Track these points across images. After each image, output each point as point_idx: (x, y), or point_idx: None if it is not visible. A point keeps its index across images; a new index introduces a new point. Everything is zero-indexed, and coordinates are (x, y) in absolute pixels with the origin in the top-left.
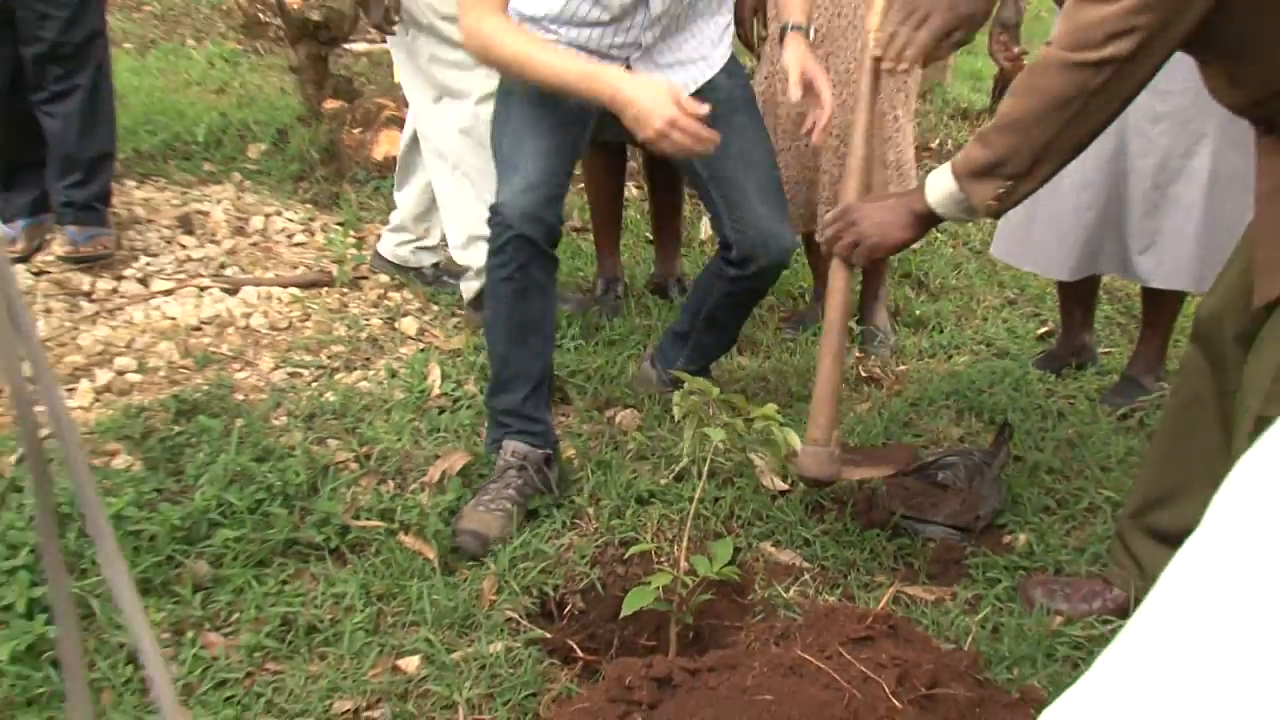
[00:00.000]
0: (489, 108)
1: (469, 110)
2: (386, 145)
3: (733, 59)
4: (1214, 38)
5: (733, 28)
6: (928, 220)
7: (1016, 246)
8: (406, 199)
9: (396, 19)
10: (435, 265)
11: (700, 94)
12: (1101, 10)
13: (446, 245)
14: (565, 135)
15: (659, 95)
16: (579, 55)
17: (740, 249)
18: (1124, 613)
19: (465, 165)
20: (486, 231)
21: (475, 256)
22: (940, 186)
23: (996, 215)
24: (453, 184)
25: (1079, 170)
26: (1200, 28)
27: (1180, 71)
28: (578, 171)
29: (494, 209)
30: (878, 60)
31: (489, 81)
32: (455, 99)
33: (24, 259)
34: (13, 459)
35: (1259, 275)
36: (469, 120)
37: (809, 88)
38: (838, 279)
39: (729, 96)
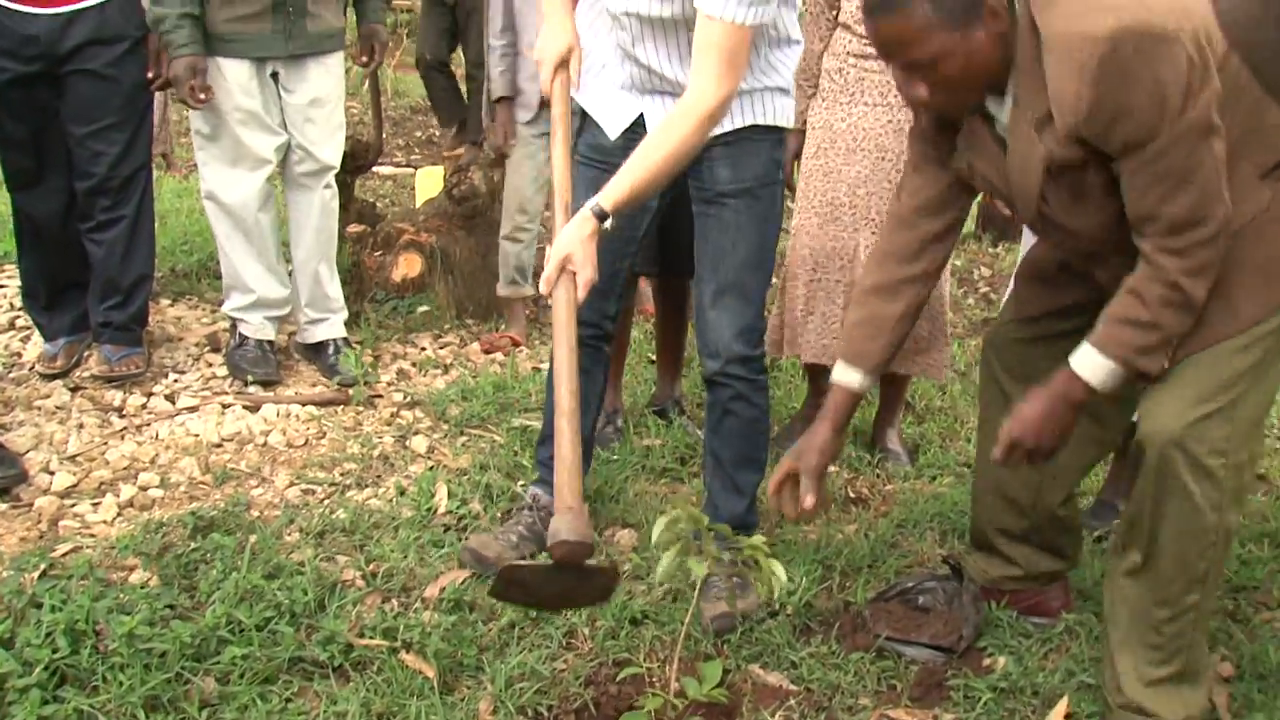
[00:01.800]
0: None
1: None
2: (405, 268)
3: (754, 145)
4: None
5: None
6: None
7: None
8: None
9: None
10: (318, 344)
11: (693, 176)
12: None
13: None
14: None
15: (550, 45)
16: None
17: (696, 331)
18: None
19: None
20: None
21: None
22: (1101, 369)
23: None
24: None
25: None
26: None
27: None
28: None
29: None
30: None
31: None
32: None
33: (63, 374)
34: (34, 575)
35: None
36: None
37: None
38: (560, 307)
39: (721, 192)
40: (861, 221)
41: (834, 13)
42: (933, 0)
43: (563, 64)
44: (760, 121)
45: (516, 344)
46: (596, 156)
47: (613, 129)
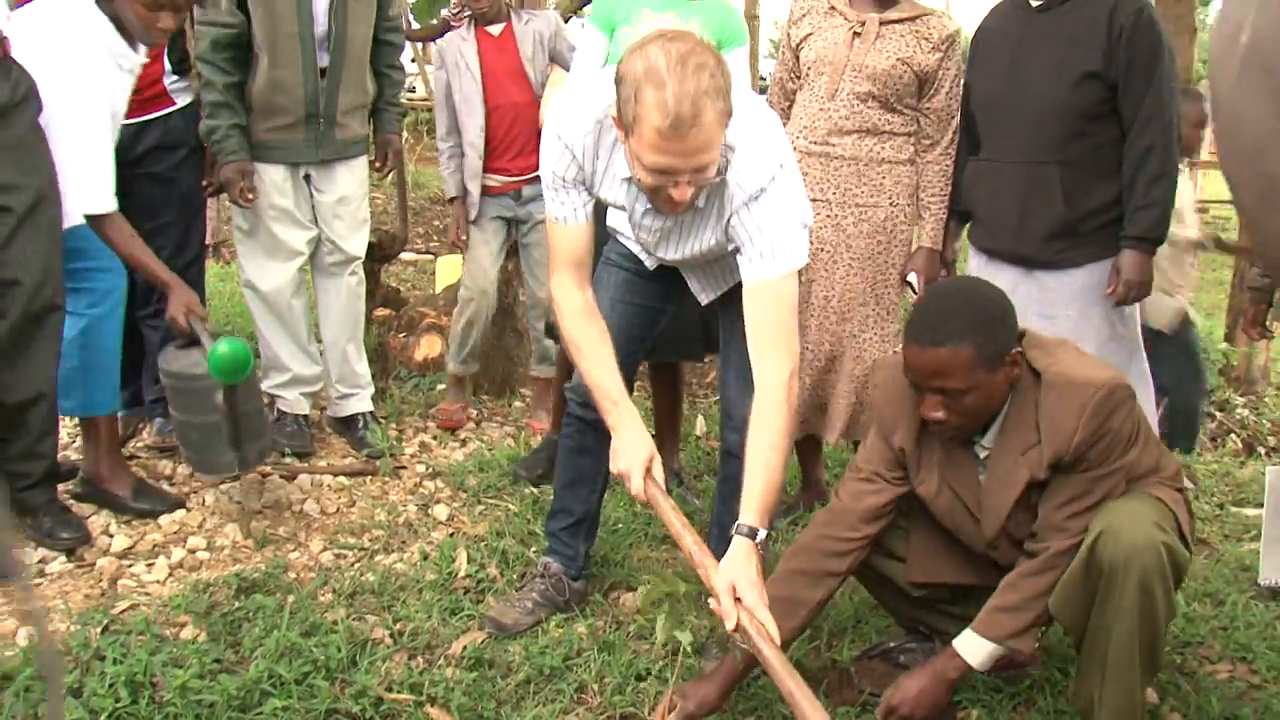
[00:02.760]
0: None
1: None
2: (426, 348)
3: None
4: None
5: None
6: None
7: None
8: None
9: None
10: (348, 418)
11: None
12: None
13: (341, 393)
14: (645, 313)
15: (633, 455)
16: (612, 380)
17: (721, 406)
18: None
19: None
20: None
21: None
22: (981, 650)
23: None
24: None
25: None
26: None
27: None
28: None
29: (566, 388)
30: None
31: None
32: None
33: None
34: (98, 630)
35: None
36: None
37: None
38: (760, 646)
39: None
40: (838, 316)
41: (788, 104)
42: (976, 344)
43: (648, 471)
44: None
45: (459, 423)
46: (627, 264)
47: (649, 264)
